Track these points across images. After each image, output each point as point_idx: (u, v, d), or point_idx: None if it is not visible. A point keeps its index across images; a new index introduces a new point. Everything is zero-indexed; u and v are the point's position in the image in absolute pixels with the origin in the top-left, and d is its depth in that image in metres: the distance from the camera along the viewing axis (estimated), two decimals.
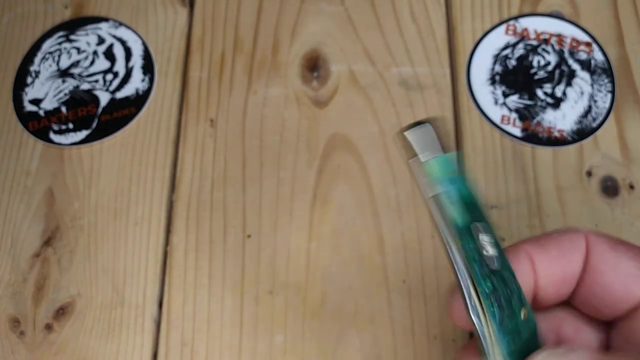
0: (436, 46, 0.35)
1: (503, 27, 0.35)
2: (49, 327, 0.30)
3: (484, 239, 0.14)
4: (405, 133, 0.14)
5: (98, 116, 0.34)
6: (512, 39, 0.35)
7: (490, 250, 0.14)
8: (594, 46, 0.35)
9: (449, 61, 0.35)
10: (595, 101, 0.33)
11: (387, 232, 0.31)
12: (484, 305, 0.14)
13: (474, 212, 0.14)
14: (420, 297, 0.30)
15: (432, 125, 0.14)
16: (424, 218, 0.31)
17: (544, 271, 0.18)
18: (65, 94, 0.35)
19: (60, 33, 0.36)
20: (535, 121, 0.33)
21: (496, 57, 0.35)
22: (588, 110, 0.33)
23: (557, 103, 0.34)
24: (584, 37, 0.35)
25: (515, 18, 0.36)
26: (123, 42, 0.36)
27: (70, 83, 0.35)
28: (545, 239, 0.18)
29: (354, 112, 0.34)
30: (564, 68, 0.34)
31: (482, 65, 0.35)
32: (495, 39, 0.35)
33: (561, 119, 0.33)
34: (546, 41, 0.35)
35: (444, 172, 0.14)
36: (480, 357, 0.15)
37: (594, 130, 0.33)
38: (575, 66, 0.34)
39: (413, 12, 0.36)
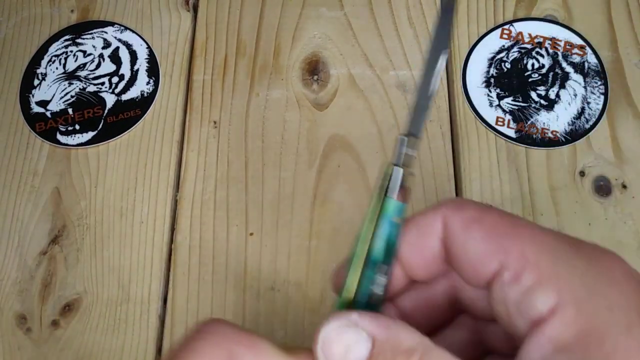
0: None
1: (498, 31, 0.36)
2: (55, 324, 0.30)
3: (380, 280, 0.18)
4: (394, 167, 0.19)
5: (104, 118, 0.35)
6: (507, 43, 0.36)
7: (377, 290, 0.18)
8: (588, 49, 0.36)
9: (445, 64, 0.36)
10: (589, 103, 0.34)
11: None
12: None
13: (387, 256, 0.18)
14: None
15: (408, 174, 0.19)
16: None
17: (404, 257, 0.19)
18: (72, 96, 0.36)
19: (67, 36, 0.37)
20: (529, 123, 0.34)
21: (491, 60, 0.36)
22: (581, 112, 0.34)
23: (550, 105, 0.34)
24: (578, 41, 0.36)
25: (510, 22, 0.37)
26: (128, 46, 0.37)
27: (77, 85, 0.36)
28: (408, 224, 0.19)
29: (353, 114, 0.35)
30: (558, 71, 0.35)
31: (477, 68, 0.35)
32: (490, 43, 0.36)
33: (554, 121, 0.34)
34: (540, 44, 0.36)
35: (393, 214, 0.18)
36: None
37: (587, 131, 0.34)
38: (569, 69, 0.35)
39: (410, 17, 0.37)
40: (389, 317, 0.17)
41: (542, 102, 0.34)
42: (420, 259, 0.19)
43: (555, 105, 0.34)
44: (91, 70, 0.36)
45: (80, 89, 0.36)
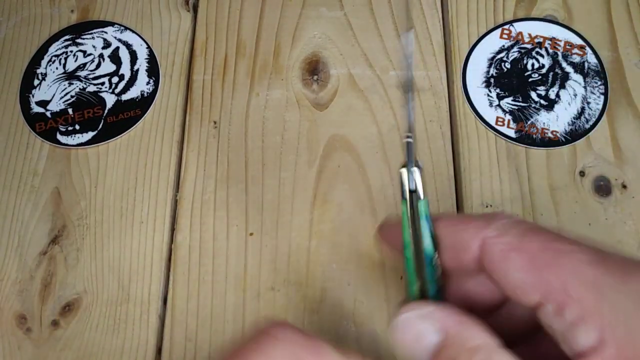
0: (433, 50, 0.36)
1: (498, 31, 0.36)
2: (55, 324, 0.30)
3: (436, 264, 0.20)
4: (414, 168, 0.21)
5: (104, 118, 0.35)
6: (506, 43, 0.36)
7: (438, 273, 0.20)
8: (587, 49, 0.36)
9: (445, 64, 0.36)
10: (589, 103, 0.34)
11: None
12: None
13: (435, 246, 0.20)
14: None
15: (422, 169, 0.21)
16: None
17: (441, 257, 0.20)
18: (72, 96, 0.36)
19: (67, 36, 0.37)
20: (529, 123, 0.34)
21: (491, 61, 0.36)
22: (581, 112, 0.34)
23: (550, 105, 0.34)
24: (578, 41, 0.36)
25: (510, 22, 0.37)
26: (128, 46, 0.37)
27: (77, 85, 0.36)
28: (447, 229, 0.20)
29: (353, 114, 0.35)
30: (558, 71, 0.35)
31: (477, 69, 0.35)
32: (490, 43, 0.36)
33: (554, 121, 0.34)
34: (540, 44, 0.36)
35: (426, 211, 0.20)
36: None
37: (587, 131, 0.34)
38: (569, 69, 0.35)
39: (410, 17, 0.37)
40: (463, 312, 0.18)
41: (542, 102, 0.34)
42: (454, 265, 0.20)
43: (555, 105, 0.34)
44: (91, 70, 0.36)
45: (80, 89, 0.36)
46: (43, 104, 0.35)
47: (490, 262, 0.19)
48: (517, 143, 0.33)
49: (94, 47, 0.37)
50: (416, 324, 0.17)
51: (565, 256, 0.17)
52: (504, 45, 0.36)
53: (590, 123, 0.34)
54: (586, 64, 0.35)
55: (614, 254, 0.18)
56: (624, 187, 0.32)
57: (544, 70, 0.35)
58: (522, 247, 0.18)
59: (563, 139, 0.33)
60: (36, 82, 0.36)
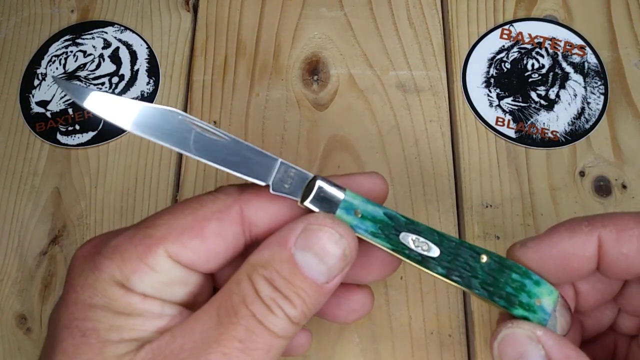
0: (433, 50, 0.36)
1: (498, 32, 0.36)
2: None
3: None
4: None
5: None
6: (507, 43, 0.36)
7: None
8: (587, 49, 0.36)
9: (445, 64, 0.36)
10: (589, 103, 0.34)
11: None
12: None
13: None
14: (417, 293, 0.30)
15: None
16: (421, 216, 0.32)
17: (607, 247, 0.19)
18: None
19: (67, 37, 0.37)
20: (529, 123, 0.34)
21: (491, 61, 0.36)
22: (581, 112, 0.34)
23: (550, 105, 0.34)
24: (578, 41, 0.36)
25: (510, 22, 0.37)
26: (128, 46, 0.37)
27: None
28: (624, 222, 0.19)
29: (353, 114, 0.35)
30: (558, 71, 0.35)
31: (477, 69, 0.35)
32: (490, 43, 0.36)
33: (554, 121, 0.34)
34: (540, 45, 0.36)
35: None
36: None
37: (587, 131, 0.34)
38: (569, 69, 0.35)
39: (410, 17, 0.37)
40: (571, 346, 0.17)
41: (542, 102, 0.34)
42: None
43: (555, 106, 0.34)
44: (91, 71, 0.36)
45: None
46: (43, 104, 0.35)
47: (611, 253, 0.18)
48: (517, 143, 0.33)
49: (94, 47, 0.37)
50: (523, 343, 0.17)
51: None
52: (504, 46, 0.36)
53: (590, 123, 0.34)
54: (586, 64, 0.35)
55: None
56: (624, 187, 0.32)
57: (544, 71, 0.35)
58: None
59: (563, 139, 0.33)
60: (36, 82, 0.36)
